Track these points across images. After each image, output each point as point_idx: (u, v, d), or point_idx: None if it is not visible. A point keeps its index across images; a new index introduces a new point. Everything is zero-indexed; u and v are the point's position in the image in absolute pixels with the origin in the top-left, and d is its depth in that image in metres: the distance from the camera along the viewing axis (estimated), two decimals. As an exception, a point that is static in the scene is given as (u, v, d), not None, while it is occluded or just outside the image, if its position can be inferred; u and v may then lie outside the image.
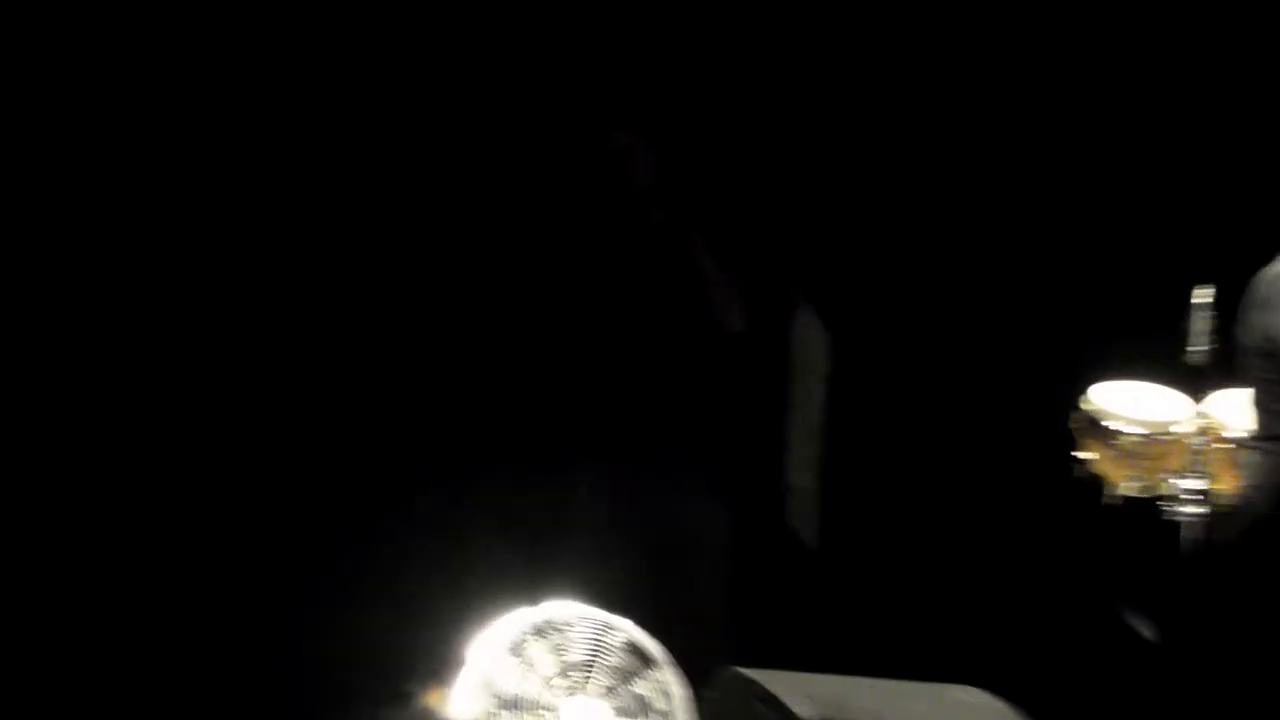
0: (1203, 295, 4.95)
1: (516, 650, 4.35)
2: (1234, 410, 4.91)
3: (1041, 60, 6.48)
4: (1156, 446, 5.02)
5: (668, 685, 4.41)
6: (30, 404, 5.53)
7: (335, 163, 5.98)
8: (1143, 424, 5.06)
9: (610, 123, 5.69)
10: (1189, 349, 4.97)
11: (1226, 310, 4.79)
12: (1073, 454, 5.23)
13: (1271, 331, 4.47)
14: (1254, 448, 4.61)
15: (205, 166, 5.90)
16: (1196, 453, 4.92)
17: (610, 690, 4.37)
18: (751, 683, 4.40)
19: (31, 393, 5.53)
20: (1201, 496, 4.87)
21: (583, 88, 6.08)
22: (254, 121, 5.89)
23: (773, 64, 6.41)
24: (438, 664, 4.39)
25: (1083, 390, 5.35)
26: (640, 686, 4.39)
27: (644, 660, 4.41)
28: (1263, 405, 4.57)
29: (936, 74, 6.48)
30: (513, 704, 4.32)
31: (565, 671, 4.37)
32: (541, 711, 4.33)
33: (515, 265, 5.66)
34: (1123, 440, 5.03)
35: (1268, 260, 4.70)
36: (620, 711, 4.37)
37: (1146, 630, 5.22)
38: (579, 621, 4.41)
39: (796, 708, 4.34)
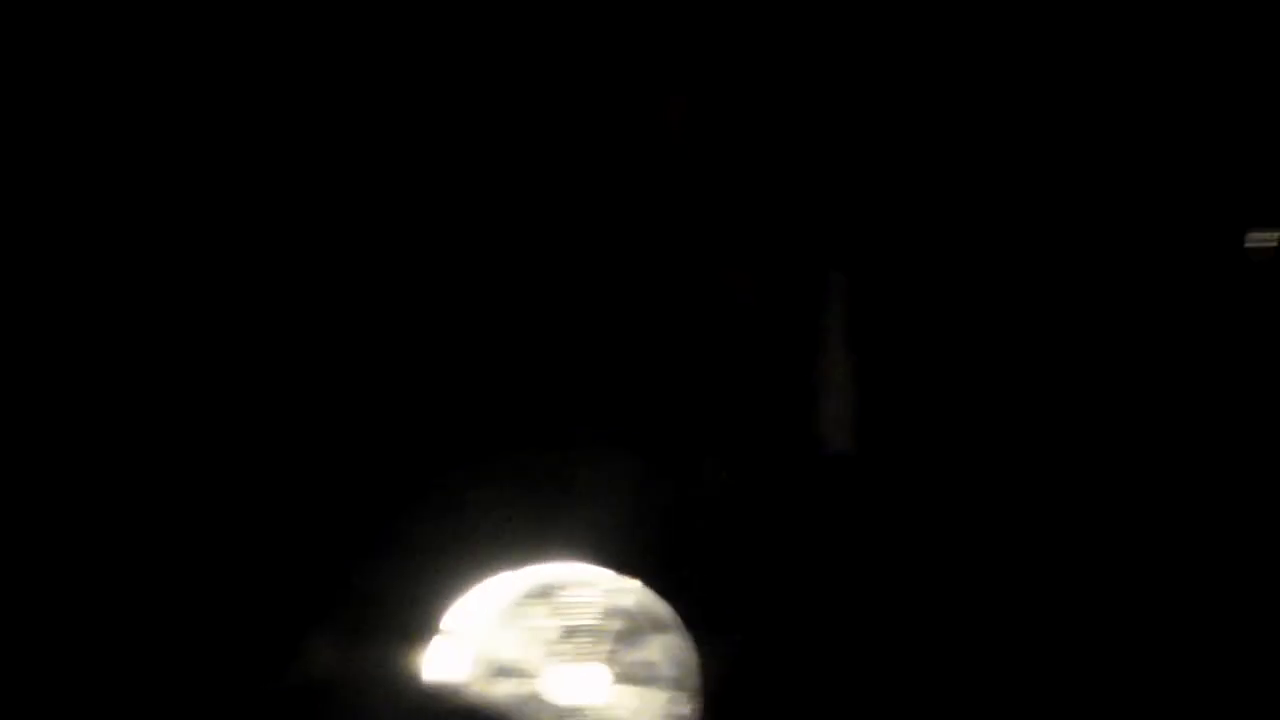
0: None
1: (515, 613, 4.11)
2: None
3: None
4: None
5: (677, 651, 4.13)
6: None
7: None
8: None
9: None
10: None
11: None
12: None
13: None
14: None
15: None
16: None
17: (615, 656, 4.10)
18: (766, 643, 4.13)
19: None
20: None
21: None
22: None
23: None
24: (433, 627, 4.15)
25: None
26: (648, 652, 4.12)
27: (652, 625, 4.13)
28: None
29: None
30: (509, 670, 4.07)
31: (567, 636, 4.11)
32: (541, 678, 4.07)
33: (533, 218, 5.43)
34: None
35: None
36: (626, 678, 4.10)
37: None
38: (583, 582, 4.15)
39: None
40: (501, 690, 4.03)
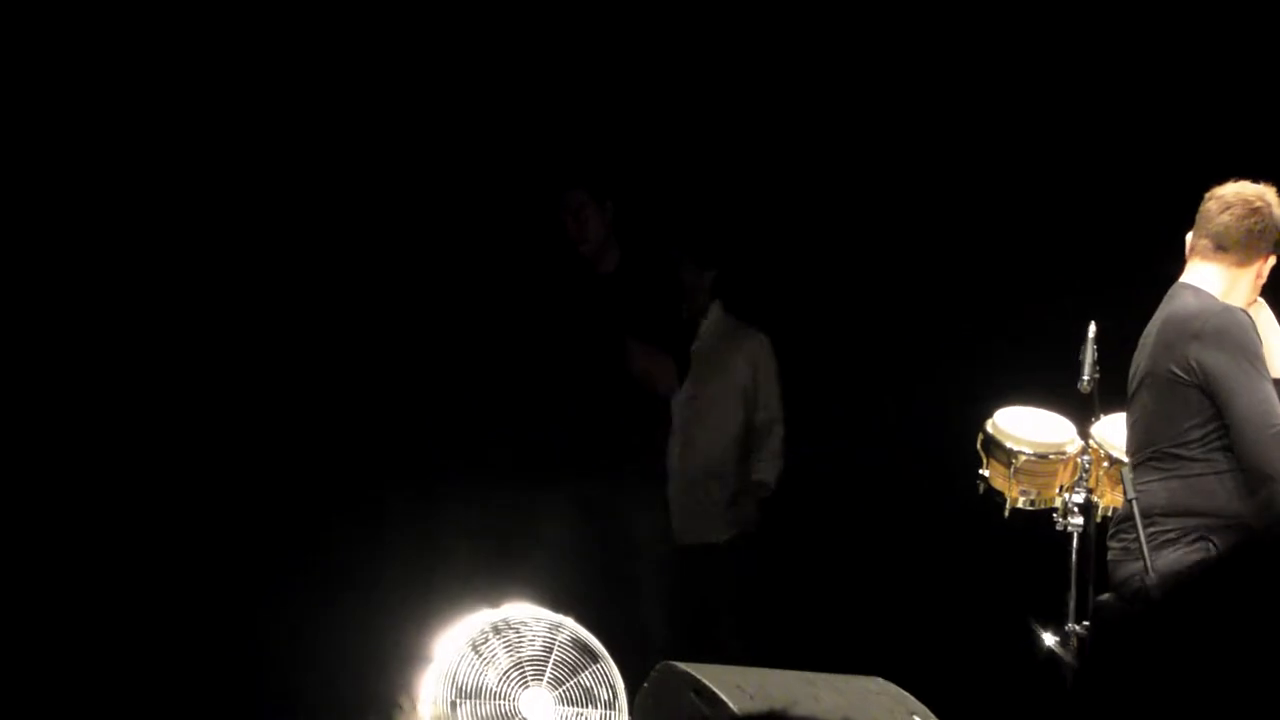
0: (1093, 330, 5.40)
1: (476, 646, 4.92)
2: (1118, 432, 5.43)
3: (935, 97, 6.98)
4: (1046, 465, 5.59)
5: (610, 677, 4.98)
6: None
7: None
8: (1035, 445, 5.62)
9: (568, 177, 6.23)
10: (1083, 378, 5.43)
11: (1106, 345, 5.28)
12: (977, 471, 5.75)
13: (1207, 364, 4.76)
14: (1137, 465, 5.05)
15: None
16: (1084, 470, 5.48)
17: (559, 682, 4.94)
18: (685, 675, 4.98)
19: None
20: (1085, 509, 5.44)
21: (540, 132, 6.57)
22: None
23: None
24: (406, 659, 4.93)
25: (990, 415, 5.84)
26: (586, 679, 4.96)
27: (590, 655, 4.98)
28: (1158, 425, 4.98)
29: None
30: (472, 694, 4.88)
31: (520, 665, 4.94)
32: (498, 701, 4.89)
33: (484, 292, 6.18)
34: (1018, 459, 5.59)
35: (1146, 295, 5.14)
36: (568, 701, 4.94)
37: (1042, 630, 5.70)
38: (532, 621, 4.98)
39: (726, 696, 4.92)
40: (468, 711, 4.85)
